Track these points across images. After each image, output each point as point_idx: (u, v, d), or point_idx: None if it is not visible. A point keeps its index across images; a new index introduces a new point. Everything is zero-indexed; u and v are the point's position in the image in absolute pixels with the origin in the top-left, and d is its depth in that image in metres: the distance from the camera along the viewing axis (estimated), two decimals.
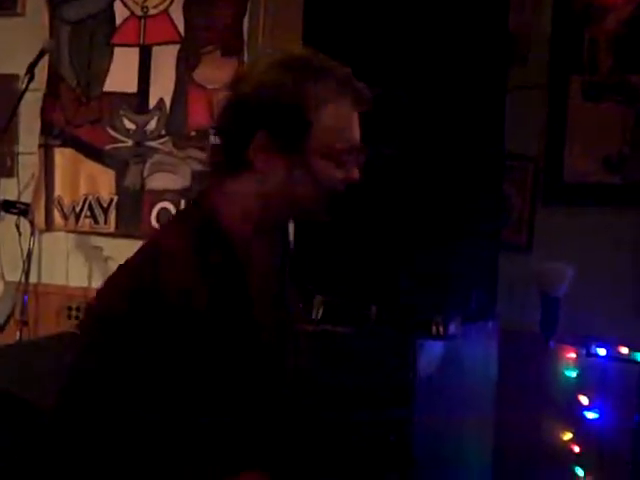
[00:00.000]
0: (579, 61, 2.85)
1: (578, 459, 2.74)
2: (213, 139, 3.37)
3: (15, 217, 3.52)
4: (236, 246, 1.42)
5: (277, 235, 1.59)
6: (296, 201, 1.44)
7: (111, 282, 1.44)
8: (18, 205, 3.46)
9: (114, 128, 3.68)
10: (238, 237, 1.43)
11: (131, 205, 3.65)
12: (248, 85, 1.42)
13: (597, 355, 2.69)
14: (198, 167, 3.51)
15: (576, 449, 2.75)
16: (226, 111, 1.45)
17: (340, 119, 1.42)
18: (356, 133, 1.45)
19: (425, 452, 2.29)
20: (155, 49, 3.62)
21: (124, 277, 1.42)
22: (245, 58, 3.42)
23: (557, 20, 2.90)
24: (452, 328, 2.44)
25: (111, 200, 3.69)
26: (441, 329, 2.39)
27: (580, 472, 2.74)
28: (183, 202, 3.53)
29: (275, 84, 1.39)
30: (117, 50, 3.69)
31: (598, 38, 2.83)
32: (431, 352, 2.39)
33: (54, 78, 3.74)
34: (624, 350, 2.67)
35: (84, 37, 3.73)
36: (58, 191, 3.76)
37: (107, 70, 3.70)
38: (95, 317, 1.41)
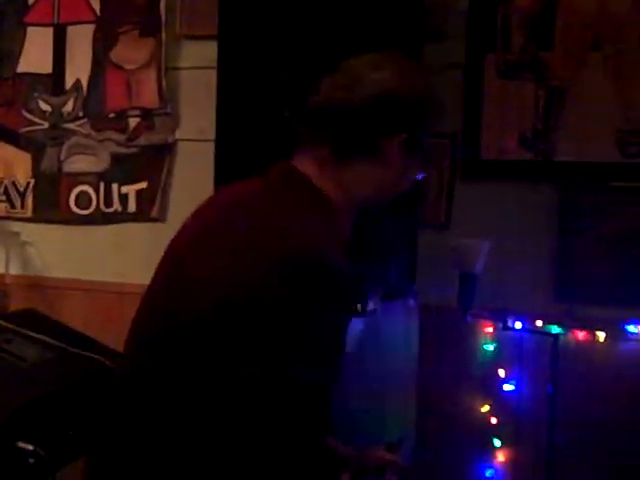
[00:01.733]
0: (493, 38, 2.89)
1: (496, 430, 2.80)
2: (134, 120, 3.32)
3: None
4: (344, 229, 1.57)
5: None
6: (386, 192, 1.60)
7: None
8: None
9: (29, 110, 3.59)
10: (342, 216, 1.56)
11: (49, 189, 3.56)
12: (386, 84, 1.53)
13: (513, 328, 2.75)
14: (117, 149, 3.45)
15: (494, 420, 2.81)
16: (365, 103, 1.53)
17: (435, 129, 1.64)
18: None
19: (345, 430, 2.30)
20: (70, 29, 3.54)
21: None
22: (162, 38, 3.37)
23: None
24: (371, 304, 2.46)
25: (28, 184, 3.60)
26: (359, 306, 2.40)
27: (497, 443, 2.81)
28: (102, 185, 3.48)
29: (424, 92, 1.57)
30: (30, 30, 3.58)
31: (511, 15, 2.87)
32: (350, 329, 2.40)
33: None
34: (539, 323, 2.74)
35: None
36: None
37: (20, 50, 3.60)
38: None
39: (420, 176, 1.66)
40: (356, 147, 1.53)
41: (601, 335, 2.73)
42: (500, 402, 2.81)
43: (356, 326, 2.39)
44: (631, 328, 2.70)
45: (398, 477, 1.80)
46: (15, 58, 3.60)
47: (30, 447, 2.11)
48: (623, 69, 2.76)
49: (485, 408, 2.83)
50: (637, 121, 2.76)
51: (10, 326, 2.74)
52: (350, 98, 1.52)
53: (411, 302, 2.73)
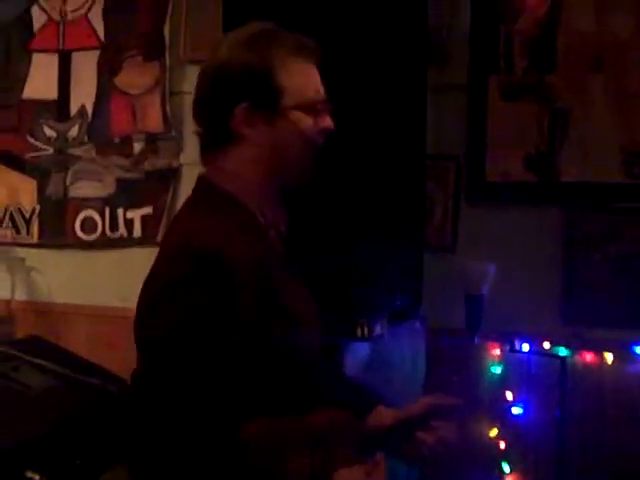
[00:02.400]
0: (496, 61, 2.90)
1: (504, 454, 2.78)
2: (138, 145, 3.33)
3: None
4: (249, 207, 1.54)
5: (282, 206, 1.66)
6: (287, 160, 1.54)
7: (151, 278, 1.47)
8: None
9: (34, 136, 3.60)
10: (248, 199, 1.54)
11: (54, 214, 3.57)
12: (219, 66, 1.54)
13: (521, 350, 2.73)
14: (122, 174, 3.46)
15: (502, 445, 2.79)
16: (202, 91, 1.56)
17: (303, 74, 1.54)
18: (319, 85, 1.57)
19: None
20: (75, 55, 3.56)
21: (163, 269, 1.45)
22: (167, 63, 3.39)
23: (475, 19, 2.94)
24: (377, 329, 2.45)
25: (33, 210, 3.61)
26: (366, 330, 2.40)
27: (507, 467, 2.78)
28: (108, 210, 3.49)
29: (240, 60, 1.51)
30: (35, 56, 3.61)
31: (513, 38, 2.88)
32: (357, 353, 2.39)
33: None
34: (546, 345, 2.72)
35: (1, 43, 3.64)
36: None
37: (26, 77, 3.62)
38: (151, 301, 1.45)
39: (316, 126, 1.55)
40: (211, 137, 1.56)
41: (609, 357, 2.71)
42: (508, 425, 2.79)
43: (362, 350, 2.39)
44: (639, 349, 2.68)
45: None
46: (20, 84, 3.62)
47: (37, 477, 2.10)
48: (626, 90, 2.77)
49: (493, 432, 2.81)
50: None
51: (16, 353, 2.75)
52: (197, 87, 1.57)
53: (417, 325, 2.73)
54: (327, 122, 1.56)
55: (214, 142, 1.55)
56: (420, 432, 1.60)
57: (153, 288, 1.44)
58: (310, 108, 1.52)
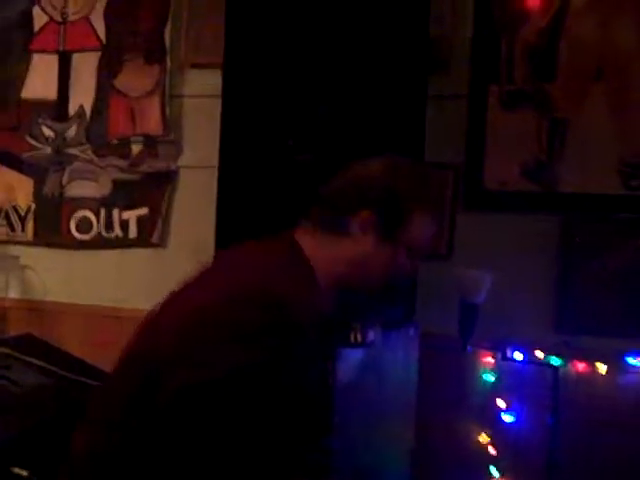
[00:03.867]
0: (497, 69, 2.91)
1: (495, 461, 2.78)
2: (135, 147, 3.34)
3: None
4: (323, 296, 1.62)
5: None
6: (368, 275, 1.64)
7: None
8: None
9: (33, 136, 3.60)
10: (323, 289, 1.63)
11: (50, 213, 3.57)
12: (366, 171, 1.69)
13: (513, 359, 2.73)
14: (119, 175, 3.47)
15: (493, 451, 2.79)
16: (345, 186, 1.69)
17: (428, 226, 1.67)
18: (431, 246, 1.71)
19: (345, 458, 2.29)
20: (75, 56, 3.57)
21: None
22: (167, 66, 3.39)
23: (477, 28, 2.95)
24: (371, 335, 2.45)
25: (29, 208, 3.61)
26: (359, 336, 2.39)
27: (496, 474, 2.78)
28: (103, 210, 3.48)
29: (386, 177, 1.66)
30: (36, 56, 3.62)
31: (514, 47, 2.88)
32: (350, 359, 2.39)
33: None
34: (539, 354, 2.72)
35: (1, 43, 3.64)
36: None
37: (25, 76, 3.62)
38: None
39: (407, 268, 1.68)
40: (330, 223, 1.66)
41: (601, 367, 2.71)
42: (500, 433, 2.79)
43: (355, 356, 2.39)
44: (631, 360, 2.69)
45: None
46: (20, 84, 3.62)
47: (25, 473, 2.09)
48: (626, 101, 2.77)
49: (484, 438, 2.81)
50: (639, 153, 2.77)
51: (8, 351, 2.74)
52: (334, 183, 1.70)
53: (411, 332, 2.73)
54: (414, 269, 1.70)
55: (330, 224, 1.65)
56: None
57: (223, 325, 1.42)
58: (414, 255, 1.65)
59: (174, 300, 1.60)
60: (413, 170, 1.72)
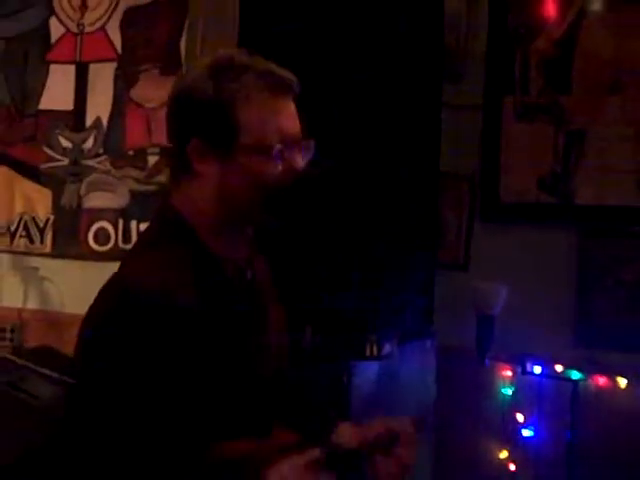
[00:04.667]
0: (512, 81, 2.89)
1: (514, 476, 2.75)
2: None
3: None
4: (206, 240, 1.45)
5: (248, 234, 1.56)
6: (234, 202, 1.44)
7: (96, 302, 1.42)
8: None
9: (50, 146, 3.62)
10: (206, 233, 1.46)
11: (68, 225, 3.59)
12: (180, 94, 1.46)
13: (532, 373, 2.71)
14: (136, 186, 3.47)
15: (512, 467, 2.76)
16: (167, 121, 1.49)
17: (265, 111, 1.41)
18: (288, 123, 1.44)
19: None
20: (92, 66, 3.58)
21: (108, 292, 1.41)
22: None
23: (492, 39, 2.93)
24: (387, 347, 2.44)
25: (47, 220, 3.62)
26: (375, 349, 2.39)
27: None
28: (121, 221, 3.49)
29: (198, 90, 1.42)
30: (53, 67, 3.63)
31: (530, 58, 2.86)
32: (366, 372, 2.38)
33: None
34: (559, 368, 2.70)
35: (19, 53, 3.67)
36: None
37: (42, 87, 3.64)
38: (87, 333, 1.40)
39: (290, 161, 1.43)
40: (175, 164, 1.48)
41: (622, 381, 2.68)
42: (518, 448, 2.77)
43: (372, 369, 2.38)
44: None
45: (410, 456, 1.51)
46: (37, 95, 3.64)
47: None
48: None
49: (503, 454, 2.78)
50: None
51: (25, 363, 2.75)
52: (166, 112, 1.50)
53: (428, 344, 2.71)
54: (293, 167, 1.43)
55: (179, 169, 1.47)
56: (380, 457, 1.50)
57: (86, 320, 1.40)
58: (267, 149, 1.40)
59: None
60: (226, 65, 1.43)
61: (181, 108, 1.45)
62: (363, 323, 2.42)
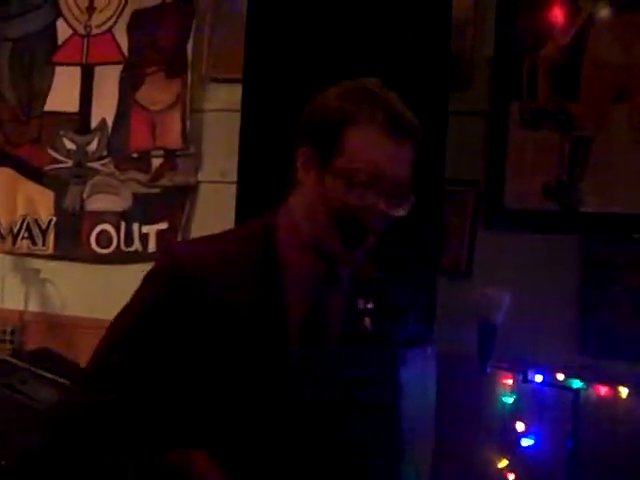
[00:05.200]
0: (518, 87, 2.88)
1: None
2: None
3: None
4: (281, 255, 1.47)
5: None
6: (309, 219, 1.45)
7: None
8: None
9: (54, 148, 3.62)
10: (287, 247, 1.48)
11: (70, 227, 3.58)
12: (309, 104, 1.49)
13: (533, 381, 2.69)
14: (139, 189, 3.47)
15: (511, 476, 2.75)
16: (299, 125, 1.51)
17: (370, 144, 1.40)
18: (390, 164, 1.40)
19: None
20: (98, 69, 3.59)
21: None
22: (189, 80, 3.40)
23: (499, 45, 2.93)
24: None
25: (50, 221, 3.62)
26: None
27: None
28: (123, 224, 3.49)
29: (324, 102, 1.45)
30: (59, 69, 3.64)
31: (537, 65, 2.86)
32: None
33: None
34: (560, 376, 2.68)
35: (25, 55, 3.68)
36: None
37: (48, 89, 3.64)
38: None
39: (370, 197, 1.40)
40: (287, 177, 1.50)
41: (623, 391, 2.66)
42: (518, 457, 2.75)
43: None
44: None
45: None
46: (43, 96, 3.65)
47: None
48: None
49: (503, 463, 2.76)
50: None
51: (25, 366, 2.74)
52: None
53: (429, 351, 2.69)
54: (370, 203, 1.39)
55: (287, 181, 1.50)
56: None
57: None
58: (348, 178, 1.38)
59: None
60: (353, 88, 1.45)
61: (305, 116, 1.47)
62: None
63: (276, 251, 1.47)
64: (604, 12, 2.80)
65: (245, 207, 2.66)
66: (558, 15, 2.84)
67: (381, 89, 1.45)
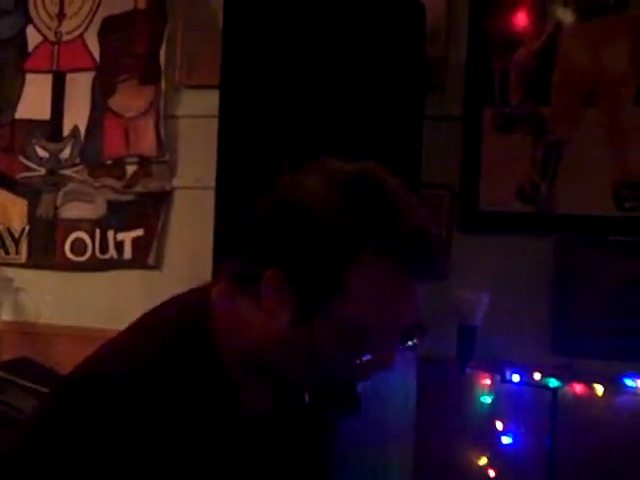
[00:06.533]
0: (491, 92, 2.92)
1: None
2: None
3: None
4: (228, 367, 1.15)
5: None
6: (284, 366, 1.13)
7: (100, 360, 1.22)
8: None
9: (26, 156, 3.59)
10: (231, 360, 1.16)
11: (44, 235, 3.55)
12: (293, 204, 1.10)
13: (511, 381, 2.73)
14: (113, 196, 3.45)
15: (491, 473, 2.79)
16: (260, 218, 1.14)
17: (384, 286, 1.07)
18: (409, 310, 1.12)
19: None
20: (69, 76, 3.56)
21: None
22: (162, 86, 3.39)
23: (471, 51, 2.97)
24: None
25: (23, 230, 3.58)
26: None
27: None
28: (98, 232, 3.47)
29: (325, 209, 1.05)
30: (29, 76, 3.60)
31: (509, 70, 2.90)
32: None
33: None
34: (537, 376, 2.73)
35: None
36: None
37: (19, 96, 3.61)
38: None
39: (381, 354, 1.12)
40: (241, 275, 1.14)
41: (599, 388, 2.72)
42: (498, 455, 2.79)
43: None
44: (629, 382, 2.69)
45: None
46: (14, 104, 3.61)
47: None
48: (619, 124, 2.79)
49: (483, 461, 2.80)
50: (633, 175, 2.79)
51: (4, 375, 2.72)
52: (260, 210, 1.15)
53: (409, 354, 2.72)
54: (382, 361, 1.13)
55: (238, 278, 1.15)
56: None
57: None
58: (355, 339, 1.06)
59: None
60: (366, 187, 1.08)
61: (283, 221, 1.09)
62: None
63: (223, 370, 1.15)
64: (569, 16, 2.85)
65: (223, 213, 2.66)
66: (528, 21, 2.89)
67: (405, 195, 1.11)
